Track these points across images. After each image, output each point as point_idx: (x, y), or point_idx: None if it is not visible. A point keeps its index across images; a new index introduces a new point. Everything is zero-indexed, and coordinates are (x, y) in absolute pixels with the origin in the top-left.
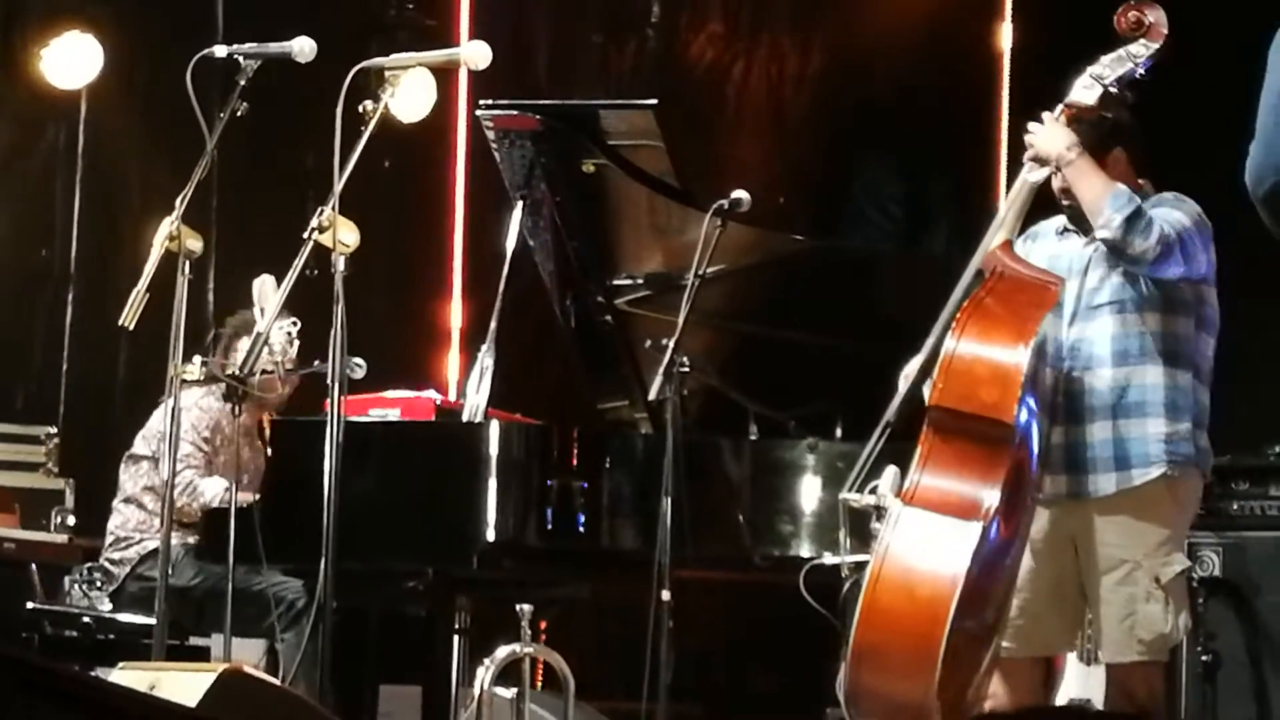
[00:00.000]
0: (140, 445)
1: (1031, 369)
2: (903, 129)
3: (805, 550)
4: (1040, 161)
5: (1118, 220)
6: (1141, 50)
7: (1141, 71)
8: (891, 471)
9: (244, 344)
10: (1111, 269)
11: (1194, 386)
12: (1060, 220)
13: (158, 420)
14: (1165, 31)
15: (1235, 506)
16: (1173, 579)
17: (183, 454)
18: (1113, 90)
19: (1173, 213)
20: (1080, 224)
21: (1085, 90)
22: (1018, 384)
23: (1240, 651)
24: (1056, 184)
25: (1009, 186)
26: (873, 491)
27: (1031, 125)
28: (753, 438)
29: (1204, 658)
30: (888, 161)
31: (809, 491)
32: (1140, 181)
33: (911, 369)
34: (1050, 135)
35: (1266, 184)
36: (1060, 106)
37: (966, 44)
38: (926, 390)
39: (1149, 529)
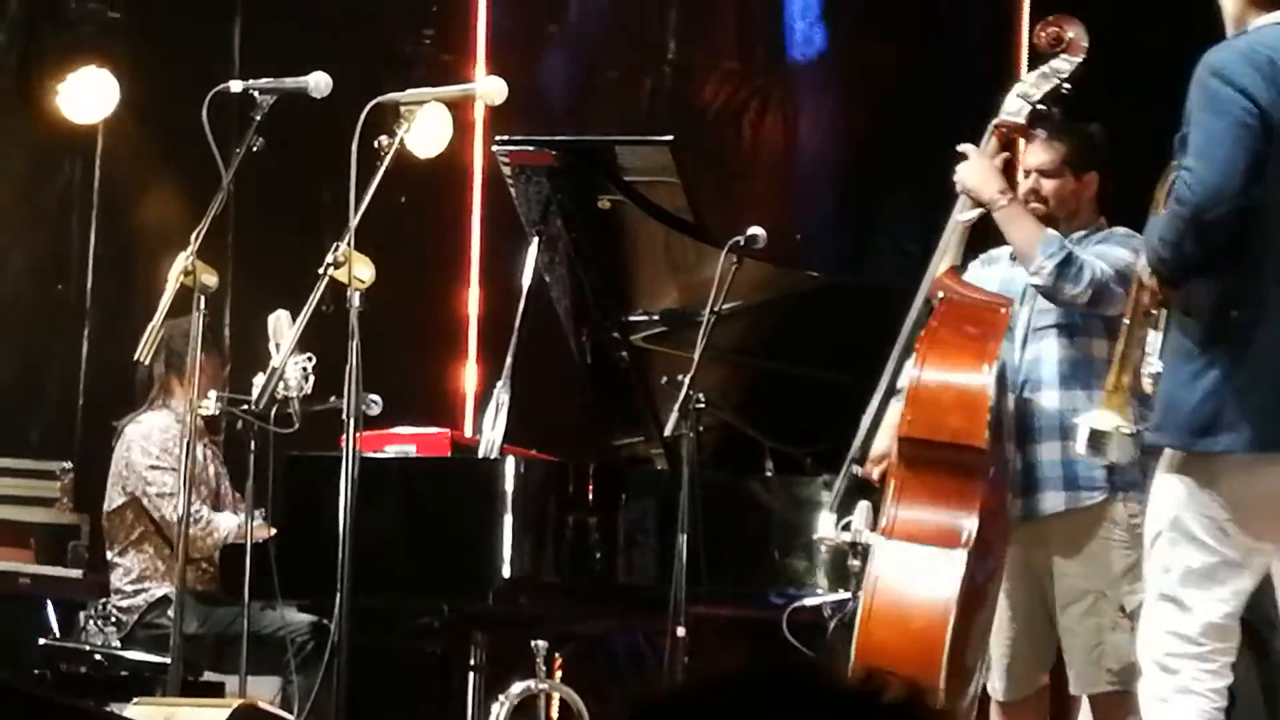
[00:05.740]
0: (116, 496)
1: (995, 392)
2: (919, 164)
3: (821, 586)
4: (973, 201)
5: (1049, 267)
6: (1064, 65)
7: (1066, 86)
8: (864, 506)
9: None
10: None
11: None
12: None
13: (118, 464)
14: (1085, 45)
15: None
16: (1138, 607)
17: (161, 484)
18: (1040, 107)
19: (1114, 250)
20: None
21: (1013, 109)
22: (985, 408)
23: (1256, 691)
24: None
25: None
26: (846, 528)
27: (960, 164)
28: (768, 474)
29: None
30: (904, 197)
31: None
32: (1100, 219)
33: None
34: (981, 177)
35: (1215, 211)
36: (990, 127)
37: (984, 78)
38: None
39: (1111, 558)
